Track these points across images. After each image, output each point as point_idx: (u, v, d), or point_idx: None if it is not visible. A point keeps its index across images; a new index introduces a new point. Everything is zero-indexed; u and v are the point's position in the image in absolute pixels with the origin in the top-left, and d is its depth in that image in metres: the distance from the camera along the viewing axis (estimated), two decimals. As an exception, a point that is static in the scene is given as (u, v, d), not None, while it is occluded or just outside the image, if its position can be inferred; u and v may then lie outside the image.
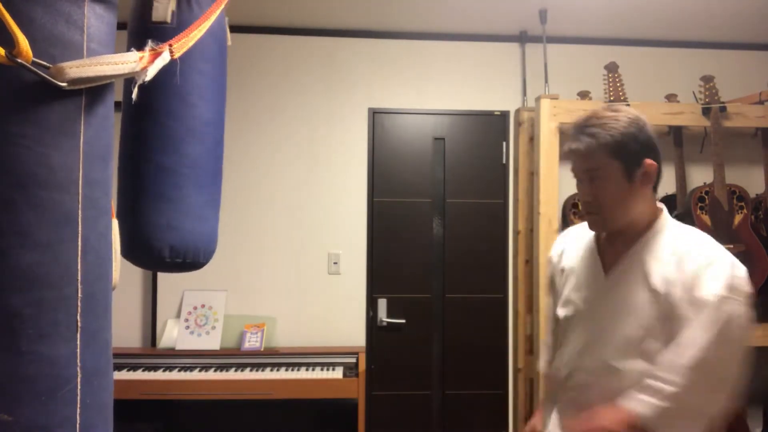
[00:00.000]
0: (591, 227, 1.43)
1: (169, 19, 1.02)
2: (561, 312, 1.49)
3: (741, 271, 1.38)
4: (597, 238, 1.47)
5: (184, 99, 1.06)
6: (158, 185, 1.07)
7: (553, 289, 1.58)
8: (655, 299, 1.32)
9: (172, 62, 0.89)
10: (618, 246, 1.41)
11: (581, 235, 1.53)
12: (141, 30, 1.06)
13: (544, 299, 2.65)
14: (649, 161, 1.34)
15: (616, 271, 1.39)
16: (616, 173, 1.33)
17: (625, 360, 1.33)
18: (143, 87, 0.86)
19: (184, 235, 1.09)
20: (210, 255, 1.15)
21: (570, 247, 1.55)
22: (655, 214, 1.42)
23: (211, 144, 1.12)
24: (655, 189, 1.42)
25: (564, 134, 2.86)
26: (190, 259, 1.11)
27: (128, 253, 1.10)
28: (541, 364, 1.63)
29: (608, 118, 1.34)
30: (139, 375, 2.80)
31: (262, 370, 2.87)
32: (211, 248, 1.16)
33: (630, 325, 1.33)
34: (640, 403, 1.24)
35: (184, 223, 1.09)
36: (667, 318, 1.30)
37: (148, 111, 1.07)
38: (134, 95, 0.85)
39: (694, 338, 1.26)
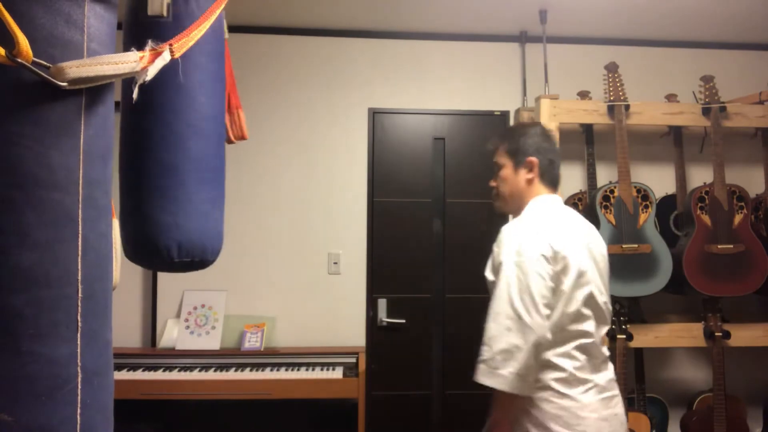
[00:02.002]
0: (493, 203, 1.93)
1: (165, 13, 1.02)
2: None
3: (524, 237, 1.68)
4: None
5: (183, 94, 1.04)
6: (162, 183, 1.04)
7: None
8: (488, 262, 1.81)
9: (174, 59, 0.89)
10: None
11: None
12: (137, 24, 1.05)
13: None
14: (530, 158, 1.79)
15: None
16: (508, 168, 1.84)
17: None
18: (143, 82, 0.85)
19: (191, 233, 1.05)
20: (217, 253, 1.13)
21: None
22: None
23: (214, 139, 1.10)
24: (550, 182, 1.81)
25: (564, 134, 2.86)
26: (198, 258, 1.08)
27: (134, 255, 1.07)
28: None
29: (517, 129, 1.93)
30: (139, 375, 2.80)
31: (262, 370, 2.87)
32: (218, 246, 1.13)
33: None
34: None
35: (191, 220, 1.05)
36: (490, 278, 1.78)
37: (148, 107, 1.04)
38: (135, 95, 0.85)
39: (491, 303, 1.68)
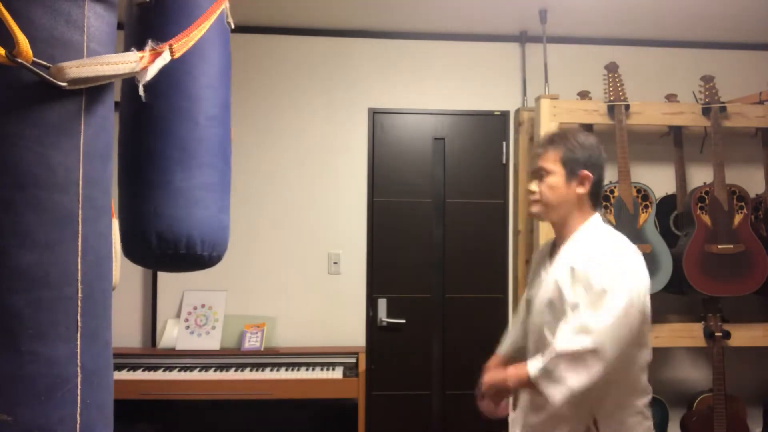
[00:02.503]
0: (529, 208, 1.80)
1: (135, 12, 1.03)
2: (522, 303, 1.92)
3: (631, 272, 1.60)
4: (553, 243, 1.81)
5: (167, 75, 0.94)
6: (145, 170, 0.99)
7: (528, 284, 1.93)
8: (562, 281, 1.63)
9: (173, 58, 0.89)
10: (559, 246, 1.73)
11: (546, 243, 1.89)
12: (128, 15, 1.05)
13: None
14: (585, 172, 1.69)
15: (550, 264, 1.73)
16: (559, 177, 1.71)
17: (545, 333, 1.66)
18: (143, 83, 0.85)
19: (173, 221, 0.98)
20: (213, 246, 1.04)
21: (539, 251, 1.92)
22: (585, 220, 1.72)
23: (204, 122, 1.02)
24: (595, 199, 1.73)
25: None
26: (183, 250, 0.99)
27: (124, 250, 1.03)
28: (500, 347, 2.00)
29: (569, 136, 1.75)
30: (139, 375, 2.80)
31: (262, 370, 2.87)
32: (212, 237, 1.03)
33: (546, 310, 1.67)
34: (532, 363, 1.57)
35: (172, 208, 0.98)
36: (566, 299, 1.61)
37: (135, 93, 0.96)
38: (141, 94, 0.85)
39: (576, 317, 1.54)
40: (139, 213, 1.00)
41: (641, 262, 1.63)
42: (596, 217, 1.72)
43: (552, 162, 1.73)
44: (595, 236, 1.68)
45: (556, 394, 1.51)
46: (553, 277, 1.67)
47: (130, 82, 0.99)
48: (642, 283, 1.59)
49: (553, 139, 1.76)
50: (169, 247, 0.98)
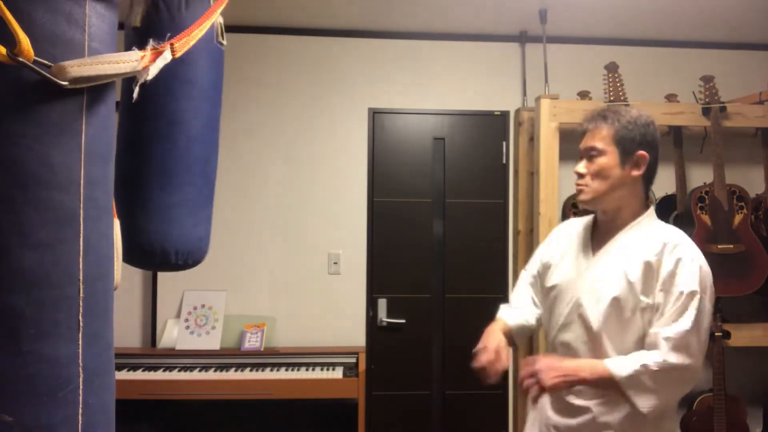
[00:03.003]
0: (578, 196, 1.60)
1: (139, 24, 1.08)
2: (548, 282, 1.70)
3: (709, 270, 1.56)
4: (593, 226, 1.66)
5: (148, 98, 1.00)
6: (128, 188, 1.09)
7: (542, 261, 1.76)
8: (633, 277, 1.50)
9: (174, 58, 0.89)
10: (608, 233, 1.59)
11: (580, 223, 1.72)
12: (126, 37, 1.09)
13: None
14: (641, 152, 1.53)
15: (602, 252, 1.57)
16: (612, 157, 1.54)
17: (601, 330, 1.52)
18: (144, 82, 0.85)
19: (149, 236, 1.08)
20: (188, 256, 1.12)
21: (569, 231, 1.74)
22: (642, 210, 1.58)
23: (184, 144, 1.09)
24: (648, 184, 1.59)
25: (564, 134, 2.86)
26: (158, 260, 1.10)
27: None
28: (506, 315, 1.84)
29: (622, 111, 1.56)
30: (139, 375, 2.79)
31: (262, 370, 2.87)
32: (186, 249, 1.12)
33: (611, 309, 1.51)
34: (619, 365, 1.44)
35: (149, 224, 1.08)
36: (639, 297, 1.49)
37: (123, 109, 1.09)
38: (135, 94, 0.85)
39: (674, 327, 1.43)
40: (121, 224, 1.08)
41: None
42: (652, 211, 1.59)
43: (604, 141, 1.53)
44: (663, 227, 1.55)
45: (646, 403, 1.41)
46: (618, 272, 1.51)
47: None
48: (711, 285, 1.52)
49: (606, 115, 1.56)
50: (146, 257, 1.10)
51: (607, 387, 1.46)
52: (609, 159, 1.53)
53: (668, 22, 3.14)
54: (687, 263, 1.49)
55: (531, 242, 3.07)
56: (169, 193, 1.08)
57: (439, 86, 3.33)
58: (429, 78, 3.33)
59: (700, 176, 3.14)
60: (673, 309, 1.44)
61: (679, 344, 1.41)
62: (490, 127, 3.34)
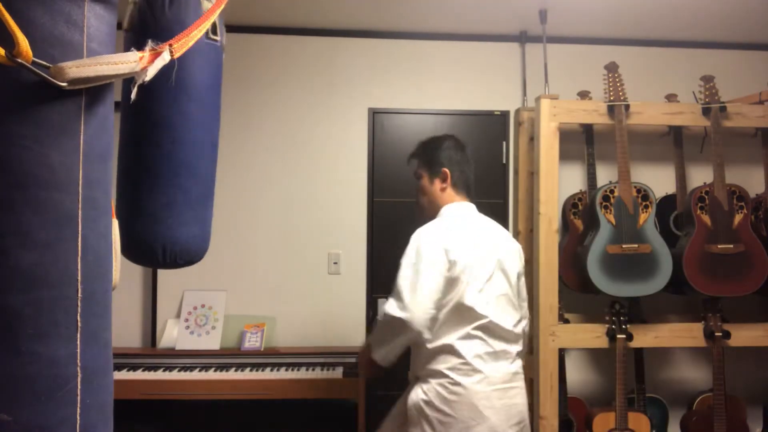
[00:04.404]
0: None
1: (126, 26, 1.10)
2: None
3: (426, 243, 1.89)
4: None
5: (136, 103, 0.97)
6: (120, 184, 1.15)
7: None
8: None
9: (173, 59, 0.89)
10: None
11: None
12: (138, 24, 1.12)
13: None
14: (444, 170, 2.01)
15: None
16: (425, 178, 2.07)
17: None
18: (143, 83, 0.85)
19: (136, 235, 1.13)
20: (177, 255, 1.15)
21: None
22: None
23: (169, 146, 1.12)
24: (460, 189, 2.05)
25: (564, 134, 2.86)
26: (146, 259, 1.15)
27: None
28: None
29: (430, 142, 2.11)
30: (139, 375, 2.80)
31: (262, 370, 2.87)
32: (174, 249, 1.15)
33: None
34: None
35: (137, 224, 1.12)
36: None
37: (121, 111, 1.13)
38: (133, 95, 0.85)
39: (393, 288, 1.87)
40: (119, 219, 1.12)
41: (447, 234, 1.90)
42: (454, 204, 2.00)
43: (419, 168, 2.08)
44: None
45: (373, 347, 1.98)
46: None
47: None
48: (431, 252, 1.85)
49: (418, 148, 2.11)
50: (135, 254, 1.15)
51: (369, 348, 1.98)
52: (423, 180, 2.06)
53: (668, 22, 3.14)
54: (411, 240, 1.92)
55: (531, 242, 3.07)
56: (155, 194, 1.12)
57: (439, 86, 3.33)
58: (429, 78, 3.33)
59: (700, 176, 3.14)
60: (396, 274, 1.88)
61: (392, 300, 1.84)
62: (490, 127, 3.34)
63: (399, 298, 1.82)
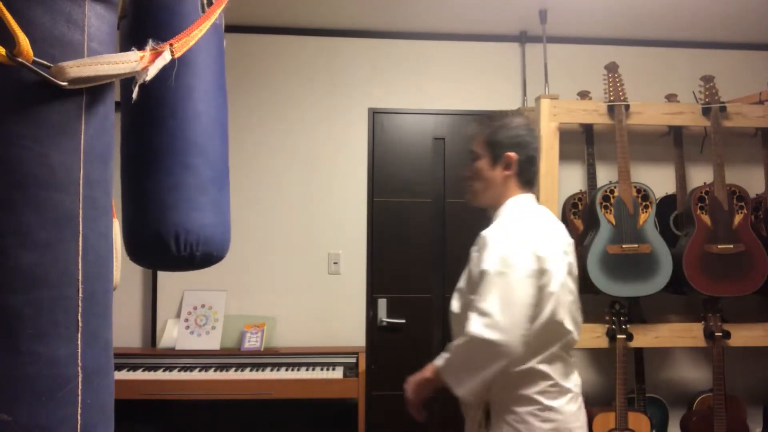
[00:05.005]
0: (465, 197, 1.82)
1: (121, 14, 1.04)
2: None
3: (514, 249, 1.58)
4: None
5: (146, 87, 0.91)
6: (124, 173, 1.06)
7: None
8: (470, 270, 1.67)
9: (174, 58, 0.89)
10: None
11: None
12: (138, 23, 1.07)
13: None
14: (509, 154, 1.68)
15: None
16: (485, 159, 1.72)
17: (452, 328, 1.74)
18: (143, 82, 0.85)
19: (146, 224, 1.01)
20: (195, 245, 1.02)
21: None
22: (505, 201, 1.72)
23: (171, 124, 1.02)
24: (523, 180, 1.71)
25: (564, 134, 2.86)
26: (158, 250, 1.01)
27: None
28: None
29: (497, 116, 1.75)
30: (139, 375, 2.79)
31: (262, 370, 2.87)
32: (191, 237, 1.02)
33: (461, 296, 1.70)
34: (440, 358, 1.64)
35: (144, 212, 1.01)
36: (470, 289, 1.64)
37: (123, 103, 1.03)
38: (135, 95, 0.85)
39: (475, 304, 1.54)
40: (122, 220, 1.05)
41: (536, 238, 1.60)
42: (518, 198, 1.70)
43: (479, 145, 1.73)
44: (500, 221, 1.68)
45: (458, 387, 1.58)
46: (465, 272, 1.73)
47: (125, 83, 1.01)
48: (524, 260, 1.55)
49: (483, 122, 1.76)
50: (144, 251, 1.03)
51: (441, 379, 1.62)
52: (482, 162, 1.72)
53: (668, 22, 3.14)
54: (489, 245, 1.58)
55: (531, 242, 3.07)
56: (160, 175, 1.01)
57: (439, 86, 3.33)
58: (429, 78, 3.33)
59: (700, 176, 3.14)
60: (477, 288, 1.55)
61: (479, 319, 1.50)
62: (490, 127, 3.33)
63: (488, 316, 1.49)
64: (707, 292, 2.77)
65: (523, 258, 1.55)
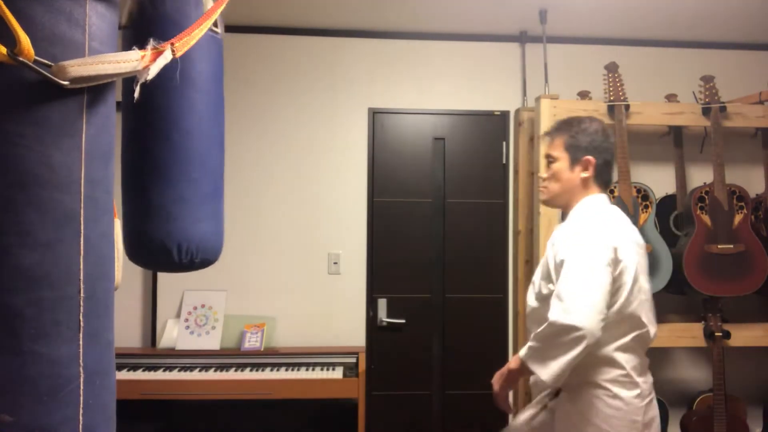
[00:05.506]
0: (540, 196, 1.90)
1: (126, 23, 1.09)
2: None
3: (591, 240, 1.67)
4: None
5: (142, 96, 0.95)
6: (125, 184, 1.10)
7: None
8: (547, 263, 1.75)
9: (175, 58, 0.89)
10: None
11: None
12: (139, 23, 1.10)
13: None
14: (588, 157, 1.77)
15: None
16: (563, 162, 1.81)
17: (528, 320, 1.83)
18: (144, 81, 0.85)
19: (147, 232, 1.07)
20: (194, 253, 1.09)
21: None
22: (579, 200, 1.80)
23: (177, 138, 1.07)
24: (600, 182, 1.81)
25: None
26: (161, 258, 1.08)
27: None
28: None
29: (574, 121, 1.83)
30: (140, 375, 2.79)
31: (262, 370, 2.87)
32: (191, 246, 1.09)
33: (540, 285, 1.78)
34: (524, 347, 1.69)
35: (146, 222, 1.06)
36: (543, 285, 1.75)
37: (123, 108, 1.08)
38: (136, 94, 0.85)
39: (556, 292, 1.63)
40: (125, 224, 1.10)
41: (612, 230, 1.69)
42: (594, 197, 1.79)
43: (557, 149, 1.82)
44: (576, 219, 1.76)
45: (543, 371, 1.63)
46: (542, 267, 1.80)
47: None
48: (601, 249, 1.63)
49: (561, 126, 1.84)
50: (147, 256, 1.09)
51: (526, 369, 1.67)
52: (560, 164, 1.80)
53: (668, 22, 3.14)
54: (568, 238, 1.68)
55: (531, 242, 3.07)
56: (165, 188, 1.06)
57: (439, 86, 3.33)
58: (429, 78, 3.33)
59: (700, 176, 3.14)
60: (557, 277, 1.65)
61: (559, 305, 1.59)
62: (490, 127, 3.34)
63: (568, 302, 1.57)
64: (707, 292, 2.77)
65: (601, 248, 1.63)
